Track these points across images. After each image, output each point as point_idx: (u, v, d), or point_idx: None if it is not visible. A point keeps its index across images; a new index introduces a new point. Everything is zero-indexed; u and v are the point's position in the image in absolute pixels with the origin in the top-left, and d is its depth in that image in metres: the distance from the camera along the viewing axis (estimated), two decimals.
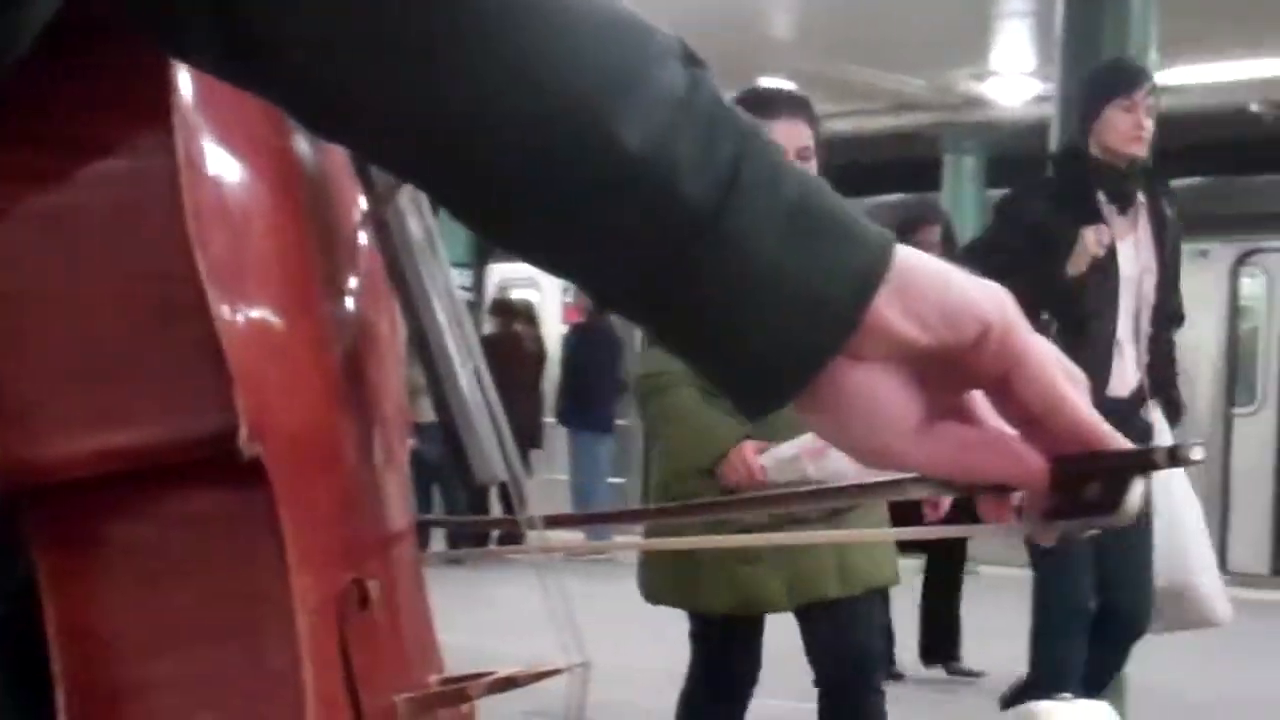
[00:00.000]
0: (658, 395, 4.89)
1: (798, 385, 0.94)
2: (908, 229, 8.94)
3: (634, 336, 20.07)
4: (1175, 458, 0.95)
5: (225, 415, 0.97)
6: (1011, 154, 12.96)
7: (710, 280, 0.91)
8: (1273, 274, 15.96)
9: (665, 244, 0.90)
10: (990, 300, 0.96)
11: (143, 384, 0.98)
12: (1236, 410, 15.86)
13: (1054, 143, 8.28)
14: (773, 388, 0.94)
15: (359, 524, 1.16)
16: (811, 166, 4.59)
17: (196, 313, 0.96)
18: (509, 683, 1.21)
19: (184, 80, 1.00)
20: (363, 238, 1.26)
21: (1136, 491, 0.93)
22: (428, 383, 1.23)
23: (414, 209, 1.25)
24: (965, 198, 15.61)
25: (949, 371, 0.97)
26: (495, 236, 0.94)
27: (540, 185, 0.90)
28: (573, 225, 0.91)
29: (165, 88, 0.99)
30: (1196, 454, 0.94)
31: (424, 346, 1.21)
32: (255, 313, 1.03)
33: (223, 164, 1.04)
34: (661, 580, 5.32)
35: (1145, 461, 0.96)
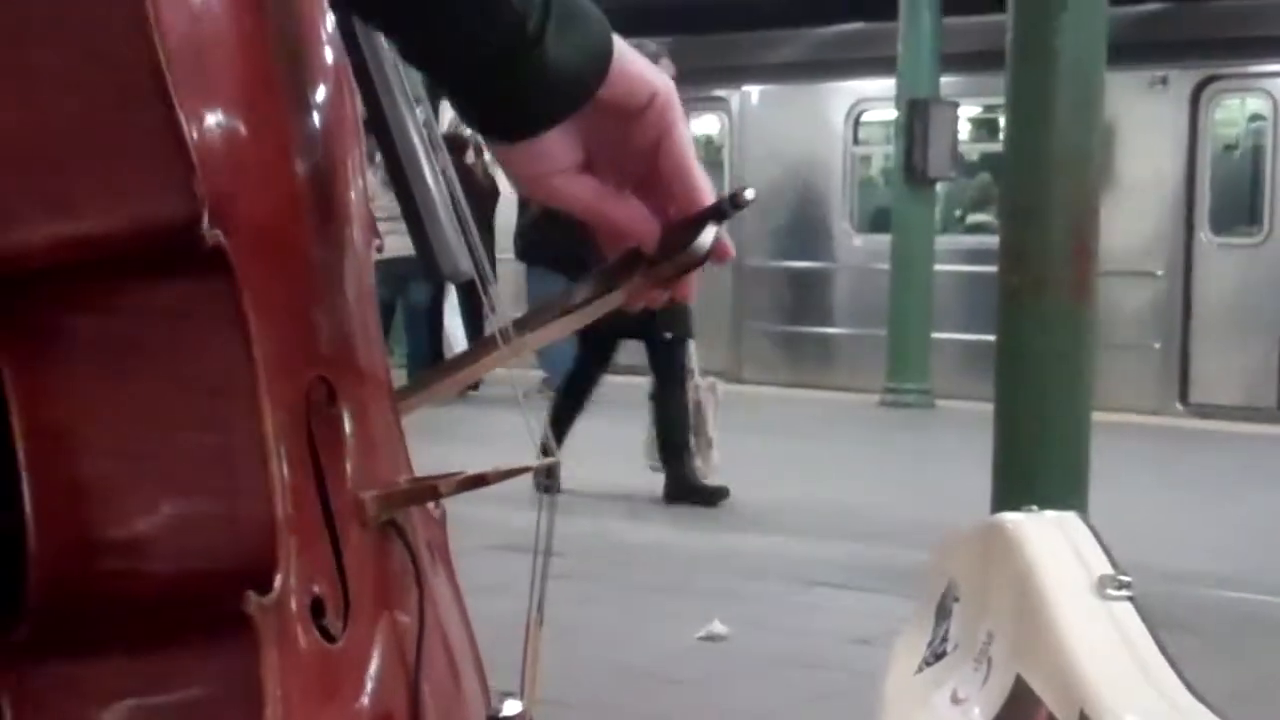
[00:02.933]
0: None
1: (530, 135, 1.17)
2: None
3: None
4: (735, 202, 1.22)
5: (187, 202, 0.95)
6: None
7: (521, 76, 1.14)
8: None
9: (502, 52, 1.13)
10: (659, 76, 1.21)
11: (99, 171, 0.96)
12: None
13: None
14: (529, 130, 1.17)
15: (325, 324, 1.14)
16: None
17: (156, 97, 0.94)
18: (479, 480, 1.19)
19: None
20: (329, 52, 1.24)
21: (709, 233, 1.20)
22: (391, 177, 1.21)
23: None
24: None
25: (618, 131, 1.21)
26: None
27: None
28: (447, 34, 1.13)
29: None
30: (748, 195, 1.22)
31: (389, 142, 1.19)
32: (218, 103, 1.01)
33: None
34: None
35: (717, 211, 1.22)
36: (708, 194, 1.23)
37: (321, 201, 1.15)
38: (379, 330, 1.25)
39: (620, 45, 1.20)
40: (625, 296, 1.25)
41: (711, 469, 9.64)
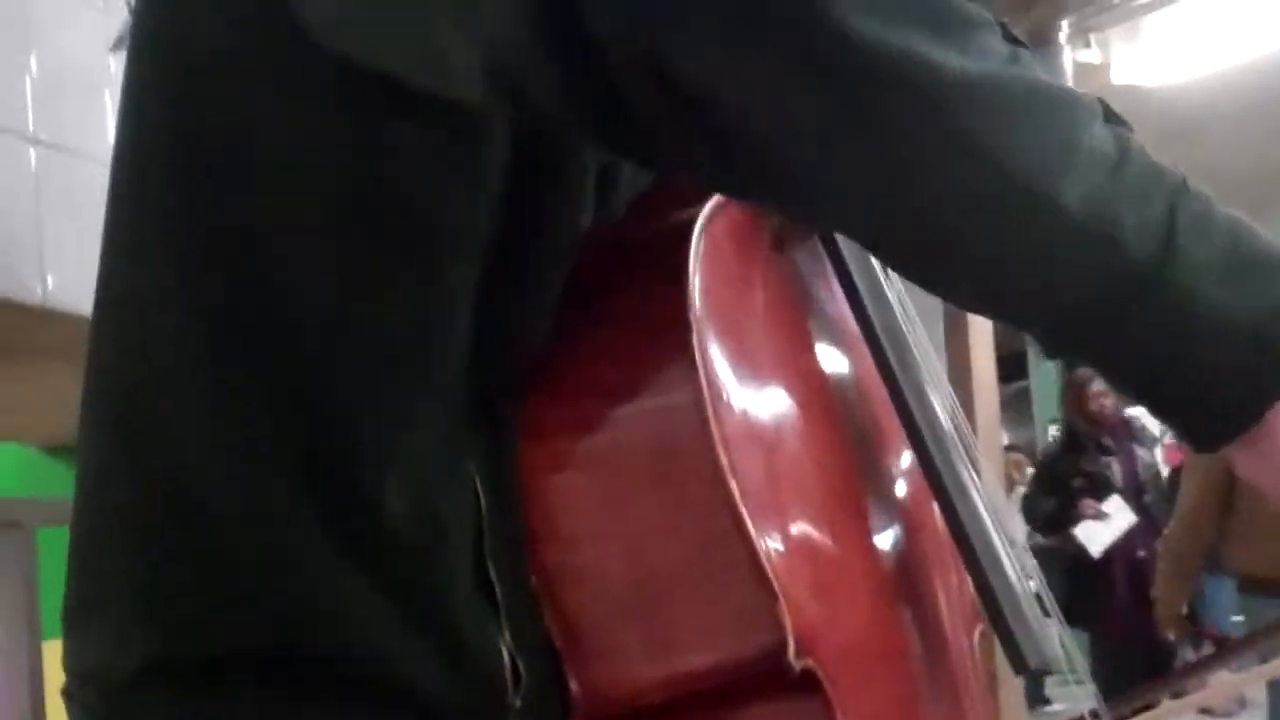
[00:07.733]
0: None
1: (1249, 421, 0.93)
2: None
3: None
4: None
5: (773, 633, 1.01)
6: None
7: (1152, 327, 0.92)
8: None
9: (1107, 298, 0.92)
10: None
11: (692, 611, 1.03)
12: None
13: None
14: (1222, 425, 0.94)
15: (925, 718, 1.17)
16: None
17: (736, 537, 1.01)
18: None
19: (702, 307, 1.05)
20: (903, 456, 1.28)
21: None
22: (966, 567, 1.21)
23: (944, 406, 1.25)
24: None
25: None
26: (932, 285, 0.97)
27: (990, 247, 0.93)
28: (1020, 283, 0.94)
29: (684, 322, 1.04)
30: None
31: (962, 537, 1.21)
32: (796, 527, 1.07)
33: (748, 386, 1.08)
34: None
35: None
36: None
37: (912, 602, 1.19)
38: (989, 712, 1.26)
39: None
40: None
41: None
